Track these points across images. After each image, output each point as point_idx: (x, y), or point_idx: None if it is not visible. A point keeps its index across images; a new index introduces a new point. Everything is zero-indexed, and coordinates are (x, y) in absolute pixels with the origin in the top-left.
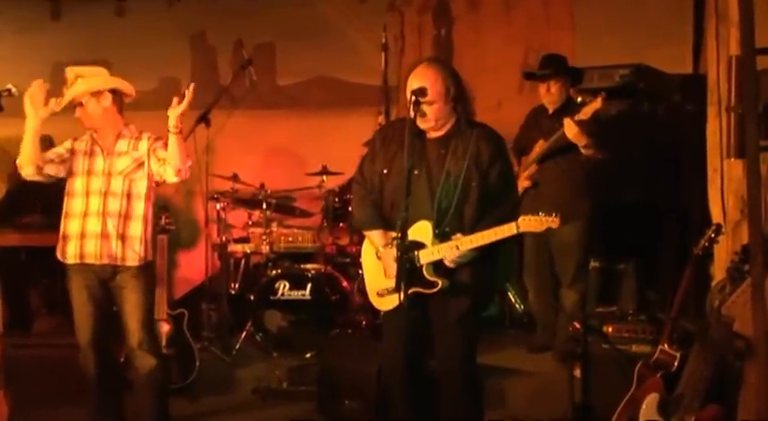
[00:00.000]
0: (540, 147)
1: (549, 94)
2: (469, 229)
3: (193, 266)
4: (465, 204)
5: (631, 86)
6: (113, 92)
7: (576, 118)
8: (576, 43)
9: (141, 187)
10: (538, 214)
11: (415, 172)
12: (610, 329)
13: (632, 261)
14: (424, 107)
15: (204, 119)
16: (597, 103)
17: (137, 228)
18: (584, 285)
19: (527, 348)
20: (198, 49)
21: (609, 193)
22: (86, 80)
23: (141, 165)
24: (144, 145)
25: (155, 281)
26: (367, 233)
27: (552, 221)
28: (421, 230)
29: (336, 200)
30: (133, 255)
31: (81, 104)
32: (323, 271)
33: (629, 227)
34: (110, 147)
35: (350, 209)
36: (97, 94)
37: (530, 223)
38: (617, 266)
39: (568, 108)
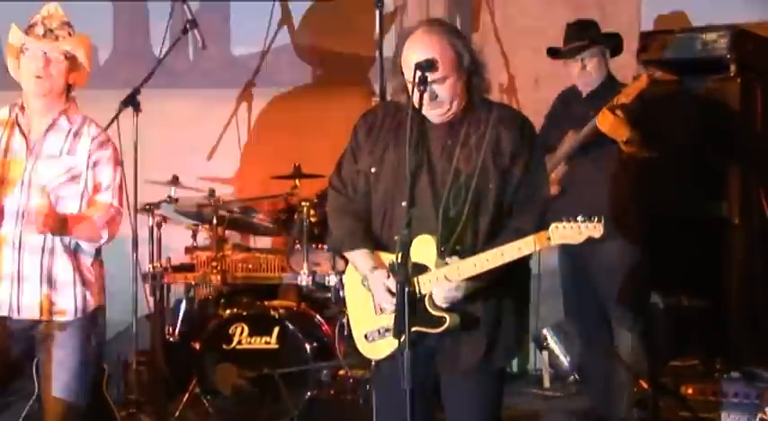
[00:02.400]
0: (569, 140)
1: (586, 74)
2: (484, 246)
3: (116, 304)
4: (480, 213)
5: (718, 58)
6: (73, 60)
7: (616, 102)
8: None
9: (73, 209)
10: (575, 219)
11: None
12: (690, 390)
13: (710, 294)
14: (435, 86)
15: (131, 102)
16: (641, 83)
17: (67, 268)
18: (646, 325)
19: (575, 419)
20: (123, 6)
21: (668, 204)
22: (82, 36)
23: (75, 179)
24: (84, 151)
25: (101, 334)
26: (349, 255)
27: (594, 228)
28: (421, 248)
29: (314, 212)
30: (66, 305)
31: (47, 60)
32: (295, 309)
33: (701, 248)
34: (37, 139)
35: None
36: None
37: (564, 233)
38: (690, 301)
39: (608, 90)
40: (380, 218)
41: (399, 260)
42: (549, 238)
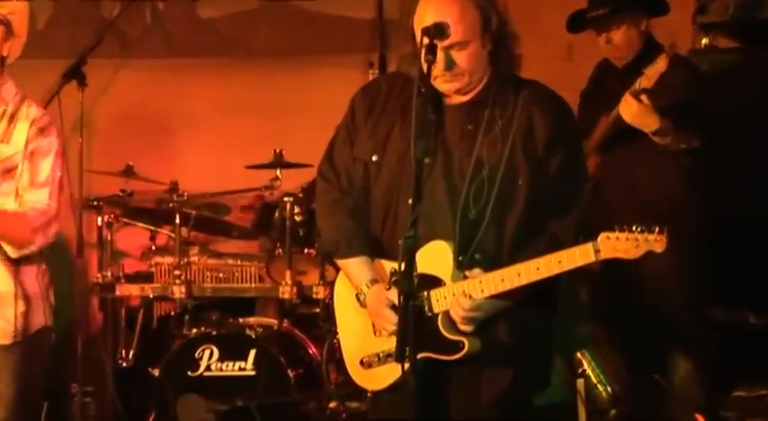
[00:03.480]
0: (602, 126)
1: (612, 47)
2: (512, 255)
3: (56, 322)
4: (506, 214)
5: None
6: (8, 26)
7: (638, 86)
8: None
9: (8, 207)
10: (630, 229)
11: (427, 160)
12: None
13: None
14: (454, 53)
15: (75, 74)
16: (660, 65)
17: (4, 279)
18: (704, 347)
19: None
20: None
21: (732, 201)
22: None
23: (10, 172)
24: (21, 138)
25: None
26: (342, 263)
27: (656, 241)
28: (434, 256)
29: (299, 209)
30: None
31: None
32: (275, 329)
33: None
34: None
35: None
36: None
37: (618, 245)
38: (758, 319)
39: (648, 61)
40: (382, 217)
41: (403, 268)
42: (597, 251)
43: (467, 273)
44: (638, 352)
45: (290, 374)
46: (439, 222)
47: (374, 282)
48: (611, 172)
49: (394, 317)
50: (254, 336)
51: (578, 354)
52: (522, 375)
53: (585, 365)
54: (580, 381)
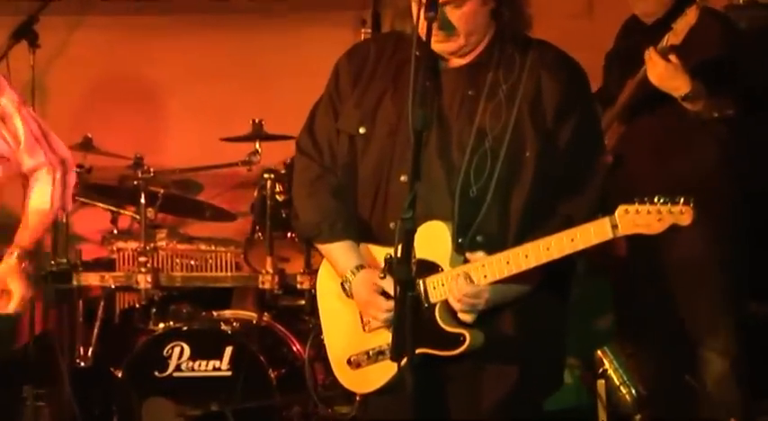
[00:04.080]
0: (627, 90)
1: (640, 1)
2: (518, 238)
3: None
4: (512, 191)
5: None
6: None
7: (666, 43)
8: None
9: None
10: (652, 201)
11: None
12: None
13: None
14: (448, 9)
15: (25, 34)
16: (690, 16)
17: None
18: (740, 345)
19: None
20: None
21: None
22: None
23: None
24: None
25: None
26: (324, 249)
27: (681, 213)
28: (430, 239)
29: (281, 187)
30: None
31: None
32: (255, 323)
33: None
34: None
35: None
36: None
37: (638, 219)
38: None
39: (677, 16)
40: (371, 197)
41: (400, 253)
42: (615, 226)
43: (468, 255)
44: (667, 349)
45: (272, 375)
46: (435, 201)
47: (361, 268)
48: (636, 143)
49: (385, 304)
50: (230, 332)
51: (598, 352)
52: (530, 374)
53: (607, 364)
54: (600, 383)
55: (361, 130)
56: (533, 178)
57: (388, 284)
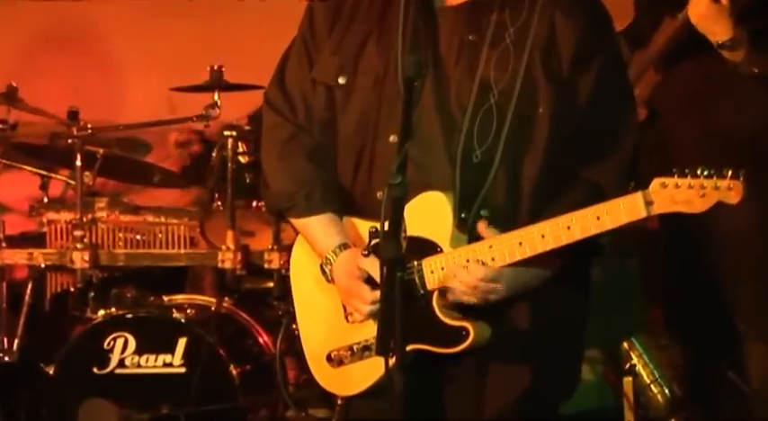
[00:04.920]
0: (665, 32)
1: None
2: (533, 211)
3: None
4: (524, 155)
5: None
6: None
7: None
8: None
9: None
10: (694, 173)
11: (415, 83)
12: None
13: None
14: None
15: None
16: None
17: None
18: None
19: None
20: None
21: None
22: None
23: None
24: None
25: None
26: (299, 223)
27: (729, 189)
28: (427, 213)
29: (244, 147)
30: None
31: None
32: (214, 310)
33: None
34: None
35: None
36: None
37: (676, 194)
38: None
39: None
40: (354, 161)
41: (387, 227)
42: (649, 203)
43: (480, 229)
44: (706, 341)
45: (234, 372)
46: (432, 167)
47: (344, 247)
48: (674, 95)
49: (371, 295)
50: (183, 321)
51: (625, 344)
52: (543, 376)
53: (635, 359)
54: (627, 380)
55: (341, 81)
56: (548, 139)
57: (373, 265)
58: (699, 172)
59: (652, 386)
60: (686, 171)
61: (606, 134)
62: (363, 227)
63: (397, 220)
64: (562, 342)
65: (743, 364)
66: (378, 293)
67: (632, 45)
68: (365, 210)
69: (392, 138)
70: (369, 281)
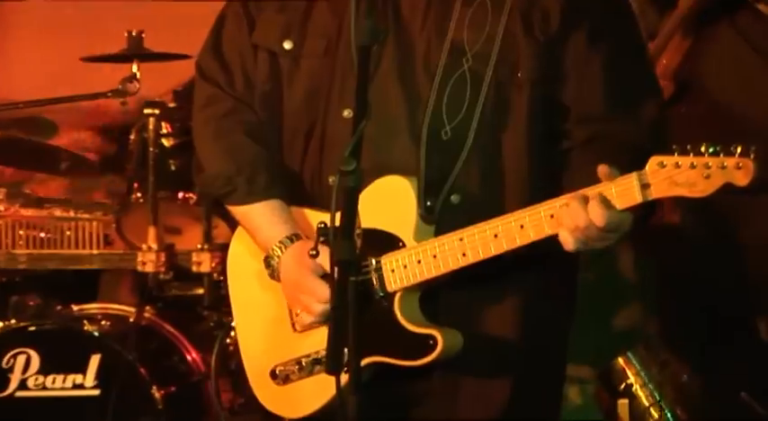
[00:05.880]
0: None
1: None
2: (518, 195)
3: None
4: (503, 127)
5: None
6: None
7: None
8: None
9: None
10: (697, 150)
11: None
12: None
13: None
14: None
15: None
16: None
17: None
18: None
19: None
20: None
21: None
22: None
23: None
24: None
25: None
26: (240, 212)
27: (738, 167)
28: (387, 201)
29: (169, 128)
30: None
31: None
32: (132, 321)
33: None
34: None
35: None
36: None
37: (677, 175)
38: None
39: None
40: (301, 140)
41: (341, 219)
42: (645, 186)
43: (603, 171)
44: (717, 358)
45: (157, 395)
46: (393, 148)
47: (295, 238)
48: (712, 64)
49: (325, 291)
50: (97, 334)
51: (620, 361)
52: (524, 391)
53: (631, 378)
54: (623, 403)
55: (287, 46)
56: (530, 110)
57: (325, 263)
58: (703, 149)
59: (651, 409)
60: (688, 148)
61: (615, 99)
62: (315, 218)
63: (351, 214)
64: (544, 352)
65: (761, 387)
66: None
67: (659, 6)
68: (316, 197)
69: (346, 113)
70: (323, 276)
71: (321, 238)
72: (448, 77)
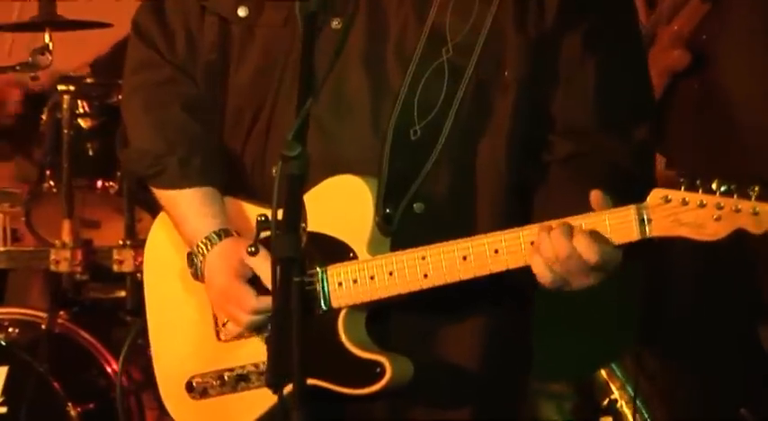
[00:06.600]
0: None
1: None
2: (490, 214)
3: None
4: (481, 131)
5: None
6: None
7: None
8: None
9: None
10: (708, 187)
11: (334, 23)
12: None
13: None
14: None
15: None
16: None
17: None
18: None
19: None
20: None
21: None
22: None
23: None
24: None
25: None
26: (167, 197)
27: (755, 213)
28: (341, 204)
29: (86, 107)
30: None
31: None
32: (44, 328)
33: None
34: None
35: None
36: None
37: (682, 214)
38: None
39: None
40: (246, 121)
41: (284, 212)
42: (644, 221)
43: (595, 198)
44: (712, 371)
45: (72, 413)
46: (352, 142)
47: (224, 234)
48: (734, 32)
49: (254, 301)
50: (3, 343)
51: (602, 374)
52: (489, 413)
53: (615, 393)
54: None
55: (241, 12)
56: (516, 113)
57: (261, 264)
58: (714, 185)
59: None
60: (697, 182)
61: (607, 112)
62: (252, 212)
63: (295, 206)
64: (505, 384)
65: (761, 401)
66: (264, 300)
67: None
68: (256, 189)
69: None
70: (254, 282)
71: (261, 234)
72: (423, 68)
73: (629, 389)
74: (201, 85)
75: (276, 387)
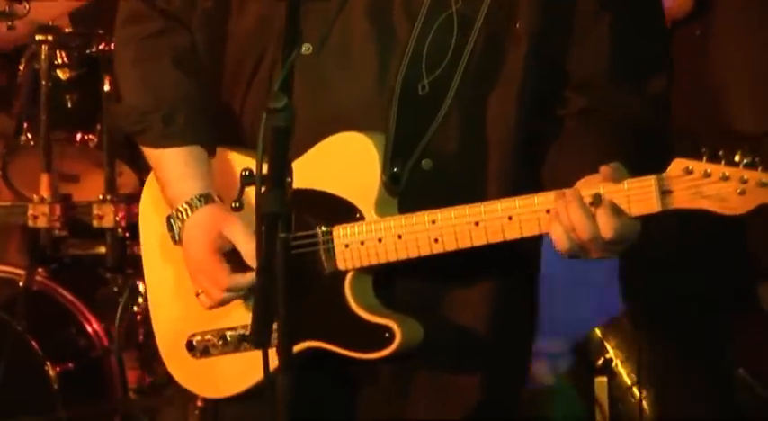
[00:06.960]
0: None
1: None
2: (501, 170)
3: None
4: (491, 85)
5: None
6: None
7: None
8: None
9: None
10: (731, 159)
11: None
12: None
13: None
14: None
15: None
16: None
17: None
18: None
19: None
20: None
21: None
22: None
23: None
24: None
25: None
26: (153, 156)
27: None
28: (345, 161)
29: (65, 58)
30: None
31: None
32: (22, 286)
33: None
34: None
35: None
36: None
37: (704, 186)
38: None
39: None
40: (246, 74)
41: (269, 165)
42: (666, 192)
43: (605, 171)
44: (711, 330)
45: (51, 372)
46: (356, 96)
47: (205, 199)
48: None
49: (227, 278)
50: None
51: (597, 332)
52: (499, 384)
53: (611, 351)
54: (600, 381)
55: None
56: (527, 67)
57: (240, 232)
58: (737, 158)
59: (634, 389)
60: (720, 153)
61: (622, 65)
62: (249, 164)
63: (280, 159)
64: (513, 348)
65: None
66: (237, 279)
67: None
68: (256, 141)
69: (305, 49)
70: (230, 257)
71: (245, 186)
72: (432, 20)
73: (625, 348)
74: (198, 35)
75: (261, 346)
